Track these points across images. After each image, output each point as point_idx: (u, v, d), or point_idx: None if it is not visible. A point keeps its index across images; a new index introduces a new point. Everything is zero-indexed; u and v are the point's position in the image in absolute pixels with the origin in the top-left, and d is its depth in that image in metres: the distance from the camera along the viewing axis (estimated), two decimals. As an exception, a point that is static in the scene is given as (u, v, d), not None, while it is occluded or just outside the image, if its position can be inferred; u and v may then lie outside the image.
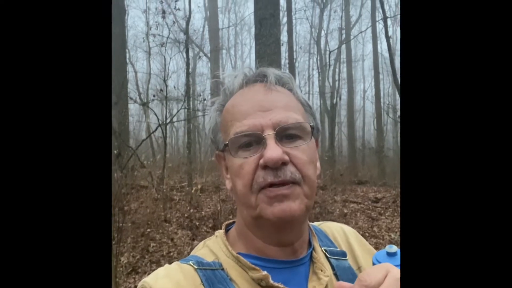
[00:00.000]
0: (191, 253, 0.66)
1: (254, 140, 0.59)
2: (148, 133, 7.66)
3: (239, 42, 20.91)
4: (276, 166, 0.56)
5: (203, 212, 6.08)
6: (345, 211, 6.78)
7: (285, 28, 11.73)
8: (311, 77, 18.15)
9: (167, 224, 5.65)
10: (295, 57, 11.37)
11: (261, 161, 0.57)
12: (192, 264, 0.59)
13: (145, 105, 7.43)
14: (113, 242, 3.97)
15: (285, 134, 0.59)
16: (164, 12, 6.79)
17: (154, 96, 7.15)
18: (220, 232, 0.67)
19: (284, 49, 11.46)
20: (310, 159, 0.60)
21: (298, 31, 16.64)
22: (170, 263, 0.63)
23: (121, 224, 4.76)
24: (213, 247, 0.64)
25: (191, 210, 5.95)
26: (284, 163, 0.57)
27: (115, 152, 5.09)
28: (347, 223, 3.15)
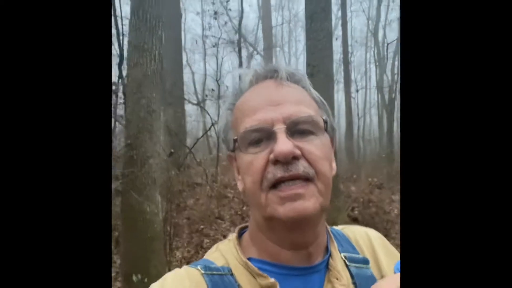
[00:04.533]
0: (204, 256, 0.65)
1: (264, 136, 0.56)
2: (204, 132, 7.90)
3: (293, 38, 20.76)
4: (287, 160, 0.53)
5: (255, 210, 6.10)
6: (404, 211, 6.39)
7: (340, 22, 11.41)
8: (368, 71, 17.49)
9: (220, 221, 5.78)
10: (350, 51, 10.99)
11: (271, 155, 0.54)
12: (199, 269, 0.58)
13: (198, 105, 7.66)
14: (168, 237, 4.16)
15: (297, 129, 0.56)
16: (216, 13, 6.95)
17: (206, 96, 7.35)
18: (233, 235, 0.65)
19: (338, 43, 11.15)
20: (324, 155, 0.56)
21: (353, 24, 16.10)
22: None
23: (176, 220, 4.98)
24: (224, 251, 0.62)
25: (244, 208, 6.03)
26: (295, 157, 0.54)
27: (171, 150, 5.31)
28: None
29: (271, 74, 0.61)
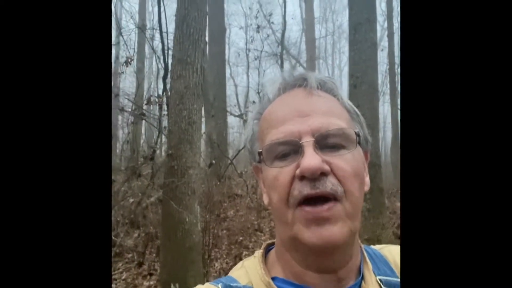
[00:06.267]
0: (230, 272, 0.62)
1: (291, 149, 0.53)
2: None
3: (337, 50, 20.52)
4: (314, 177, 0.50)
5: (295, 223, 6.00)
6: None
7: (386, 33, 11.11)
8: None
9: (259, 233, 5.74)
10: (397, 62, 10.64)
11: (298, 171, 0.50)
12: (219, 287, 0.55)
13: (240, 116, 7.75)
14: (207, 248, 4.18)
15: (326, 142, 0.52)
16: (259, 26, 7.04)
17: (247, 108, 7.42)
18: (258, 252, 0.62)
19: (384, 54, 10.85)
20: (355, 171, 0.52)
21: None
22: None
23: (216, 231, 5.01)
24: (249, 268, 0.59)
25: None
26: (323, 174, 0.50)
27: (212, 161, 5.39)
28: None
29: (300, 82, 0.58)
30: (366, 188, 0.55)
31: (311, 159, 0.50)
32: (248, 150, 0.63)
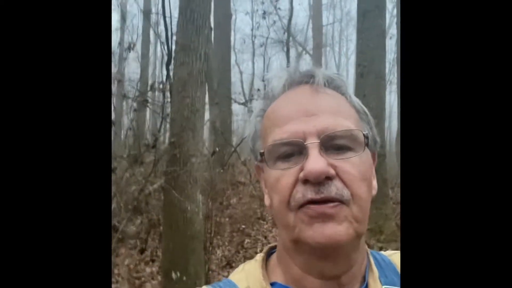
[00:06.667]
0: (229, 275, 0.60)
1: (295, 150, 0.50)
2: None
3: (344, 38, 20.18)
4: (319, 181, 0.47)
5: (298, 212, 6.02)
6: None
7: (395, 20, 10.92)
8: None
9: (262, 221, 5.75)
10: (405, 50, 10.43)
11: (301, 174, 0.48)
12: None
13: (244, 104, 7.70)
14: (209, 235, 4.20)
15: (332, 144, 0.50)
16: (265, 12, 6.92)
17: (252, 95, 7.36)
18: (260, 256, 0.59)
19: (392, 42, 10.67)
20: (362, 175, 0.50)
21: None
22: None
23: (218, 219, 5.02)
24: (249, 273, 0.57)
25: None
26: (328, 178, 0.47)
27: (215, 149, 5.37)
28: None
29: (307, 79, 0.55)
30: (374, 192, 0.53)
31: (315, 162, 0.47)
32: (250, 149, 0.61)
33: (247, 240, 5.10)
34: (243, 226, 5.44)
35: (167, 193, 3.11)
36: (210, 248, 4.22)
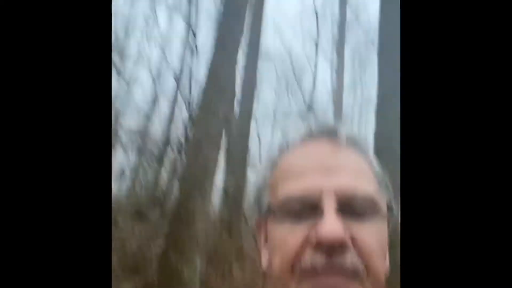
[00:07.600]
0: None
1: (308, 208, 0.44)
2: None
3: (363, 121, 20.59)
4: (333, 247, 0.42)
5: None
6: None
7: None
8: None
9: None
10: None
11: (314, 236, 0.42)
12: None
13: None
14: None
15: (351, 207, 0.44)
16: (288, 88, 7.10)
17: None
18: None
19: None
20: (380, 247, 0.45)
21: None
22: None
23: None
24: None
25: None
26: (343, 246, 0.42)
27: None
28: None
29: (328, 133, 0.51)
30: (387, 263, 0.47)
31: (332, 225, 0.42)
32: (254, 200, 0.55)
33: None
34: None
35: (165, 255, 2.97)
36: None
